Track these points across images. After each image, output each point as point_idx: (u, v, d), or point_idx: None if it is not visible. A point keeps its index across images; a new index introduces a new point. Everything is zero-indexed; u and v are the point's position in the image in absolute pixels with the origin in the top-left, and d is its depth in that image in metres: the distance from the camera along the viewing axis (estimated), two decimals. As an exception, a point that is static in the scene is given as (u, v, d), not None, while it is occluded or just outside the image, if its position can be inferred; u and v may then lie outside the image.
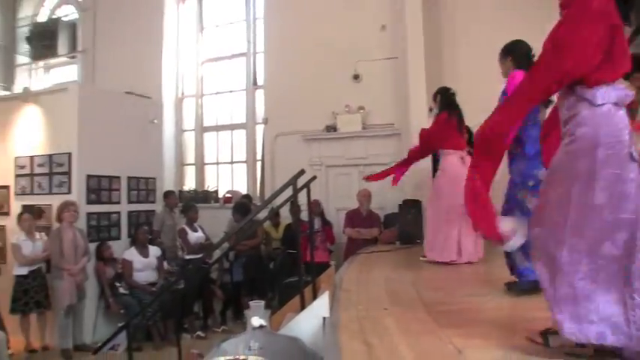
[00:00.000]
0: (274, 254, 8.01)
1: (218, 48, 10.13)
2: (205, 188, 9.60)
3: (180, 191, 9.43)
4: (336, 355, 2.40)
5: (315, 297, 4.05)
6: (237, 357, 2.85)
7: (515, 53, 3.62)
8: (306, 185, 4.33)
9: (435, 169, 6.20)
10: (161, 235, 7.76)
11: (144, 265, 7.11)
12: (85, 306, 6.87)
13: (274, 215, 7.43)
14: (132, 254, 7.13)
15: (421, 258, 5.27)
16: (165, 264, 7.47)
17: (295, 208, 7.13)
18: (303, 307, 3.92)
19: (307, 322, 3.69)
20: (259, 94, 9.39)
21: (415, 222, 6.80)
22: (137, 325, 6.67)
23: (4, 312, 6.66)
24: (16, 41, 12.54)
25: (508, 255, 3.44)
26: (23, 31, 12.31)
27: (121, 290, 7.02)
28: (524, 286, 3.32)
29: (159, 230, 7.76)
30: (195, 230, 7.56)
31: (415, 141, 6.58)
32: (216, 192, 9.43)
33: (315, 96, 8.25)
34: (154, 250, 7.28)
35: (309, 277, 4.87)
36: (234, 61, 9.94)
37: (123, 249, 7.37)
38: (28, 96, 7.44)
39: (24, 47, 12.28)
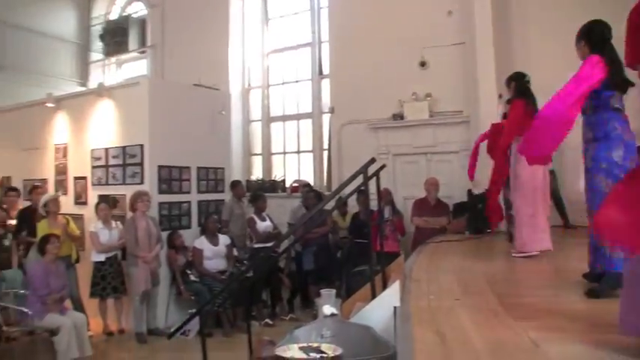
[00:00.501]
0: (341, 243, 8.00)
1: (283, 38, 10.19)
2: (272, 178, 9.70)
3: (248, 181, 9.56)
4: (409, 345, 2.36)
5: (385, 286, 3.99)
6: (311, 344, 2.82)
7: (589, 36, 3.39)
8: (376, 174, 4.27)
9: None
10: (230, 224, 7.88)
11: (214, 254, 7.25)
12: (159, 292, 7.08)
13: (342, 204, 7.40)
14: (202, 243, 7.28)
15: (513, 254, 4.90)
16: (234, 252, 7.58)
17: (364, 197, 7.13)
18: (373, 296, 3.88)
19: (378, 311, 3.64)
20: (325, 84, 9.38)
21: (485, 212, 6.65)
22: (208, 312, 6.84)
23: (83, 296, 6.99)
24: (90, 39, 13.05)
25: (594, 246, 3.20)
26: (97, 29, 12.81)
27: (192, 278, 7.18)
28: (612, 280, 2.96)
29: (227, 220, 7.89)
30: (264, 219, 7.64)
31: (485, 128, 6.42)
32: (283, 181, 9.51)
33: (381, 84, 8.16)
34: (224, 239, 7.41)
35: (379, 267, 4.82)
36: (299, 51, 9.97)
37: (193, 238, 7.53)
38: (102, 91, 7.70)
39: (97, 45, 12.78)
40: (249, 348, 4.76)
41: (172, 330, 5.71)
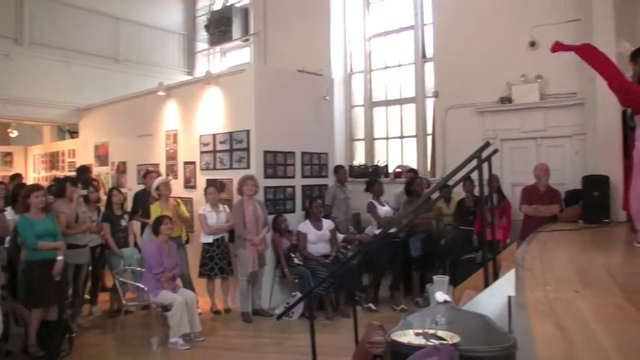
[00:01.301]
0: (446, 230, 7.81)
1: (385, 22, 10.04)
2: (375, 163, 9.63)
3: (351, 166, 9.56)
4: (527, 338, 2.22)
5: (496, 275, 3.82)
6: (426, 330, 2.72)
7: None
8: (487, 159, 4.08)
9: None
10: (333, 209, 7.91)
11: (317, 238, 7.29)
12: (264, 274, 7.22)
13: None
14: (306, 227, 7.34)
15: (636, 244, 4.51)
16: (338, 237, 7.59)
17: (470, 183, 6.90)
18: (486, 284, 3.72)
19: (491, 300, 3.48)
20: (429, 67, 9.17)
21: (602, 200, 6.23)
22: (303, 296, 6.92)
23: (192, 276, 7.27)
24: (195, 30, 13.54)
25: None
26: (202, 20, 13.27)
27: (296, 261, 7.26)
28: None
29: (330, 205, 7.92)
30: (383, 204, 7.56)
31: (603, 111, 6.02)
32: (386, 167, 9.42)
33: (488, 66, 7.87)
34: (328, 224, 7.42)
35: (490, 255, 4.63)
36: (401, 34, 9.80)
37: (297, 222, 7.62)
38: (210, 79, 7.91)
39: (202, 35, 13.22)
40: (355, 332, 4.73)
41: (281, 311, 5.82)
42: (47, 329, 5.71)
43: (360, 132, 10.25)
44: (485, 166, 3.83)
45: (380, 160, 9.70)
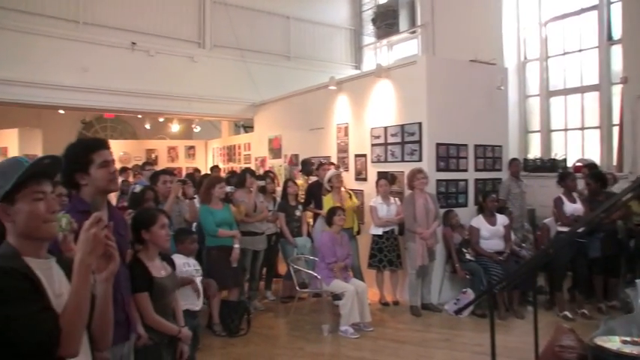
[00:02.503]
0: (635, 230, 7.09)
1: (563, 4, 9.35)
2: (552, 156, 9.04)
3: (525, 159, 9.07)
4: None
5: None
6: (636, 339, 2.49)
7: None
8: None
9: None
10: (507, 203, 7.57)
11: (491, 234, 7.00)
12: (434, 268, 7.10)
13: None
14: (479, 222, 7.09)
15: None
16: (512, 234, 7.25)
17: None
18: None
19: None
20: (615, 51, 8.38)
21: None
22: (480, 293, 6.68)
23: (362, 267, 7.38)
24: (362, 24, 13.69)
25: None
26: (368, 14, 13.36)
27: (467, 256, 7.05)
28: None
29: (505, 199, 7.59)
30: (574, 201, 7.01)
31: None
32: (564, 160, 8.80)
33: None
34: (502, 219, 7.10)
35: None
36: (582, 16, 9.06)
37: (469, 216, 7.39)
38: (381, 72, 7.93)
39: (369, 29, 13.33)
40: (535, 334, 4.45)
41: (457, 307, 5.68)
42: (228, 309, 6.17)
43: (535, 123, 9.68)
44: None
45: (557, 153, 9.08)
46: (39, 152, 10.99)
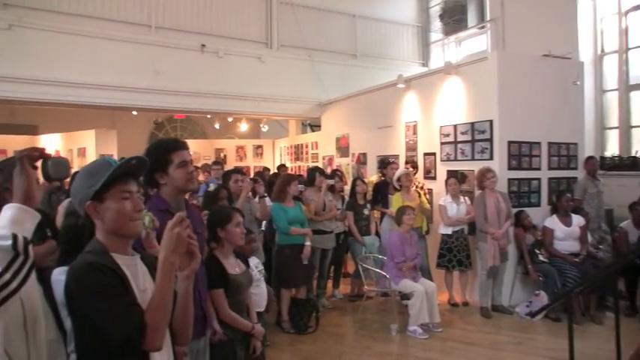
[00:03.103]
0: None
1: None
2: (632, 154, 8.63)
3: (602, 157, 8.70)
4: None
5: None
6: None
7: None
8: None
9: None
10: (583, 203, 7.29)
11: (566, 235, 6.77)
12: (505, 269, 6.93)
13: None
14: (553, 222, 6.87)
15: None
16: (588, 236, 6.98)
17: None
18: None
19: None
20: None
21: None
22: (559, 296, 6.47)
23: (431, 266, 7.32)
24: (429, 21, 13.51)
25: None
26: (435, 10, 13.17)
27: (541, 258, 6.85)
28: None
29: (580, 199, 7.32)
30: None
31: None
32: (645, 159, 8.39)
33: None
34: (577, 220, 6.84)
35: None
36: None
37: (542, 216, 7.18)
38: (450, 69, 7.80)
39: (436, 25, 13.14)
40: (617, 341, 4.27)
41: (533, 310, 5.51)
42: (297, 306, 6.25)
43: (612, 119, 9.26)
44: None
45: (638, 150, 8.64)
46: (114, 152, 11.46)
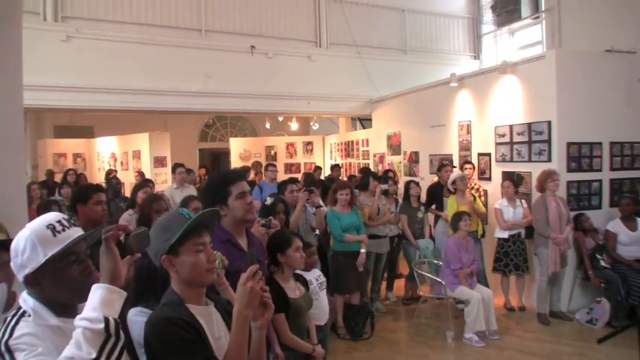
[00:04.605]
0: None
1: None
2: None
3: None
4: None
5: None
6: None
7: None
8: None
9: None
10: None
11: (631, 239, 6.50)
12: (565, 274, 6.74)
13: None
14: (617, 226, 6.62)
15: None
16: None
17: None
18: None
19: None
20: None
21: None
22: (619, 303, 6.28)
23: (487, 270, 7.18)
24: (480, 12, 13.17)
25: None
26: (487, 1, 12.83)
27: (602, 263, 6.63)
28: None
29: (646, 201, 7.04)
30: None
31: None
32: None
33: None
34: (644, 224, 6.60)
35: None
36: None
37: (603, 219, 6.95)
38: (505, 67, 7.57)
39: (488, 16, 12.81)
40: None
41: (594, 317, 5.31)
42: (352, 312, 6.25)
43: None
44: None
45: None
46: (167, 154, 11.72)
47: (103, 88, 9.02)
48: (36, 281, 1.68)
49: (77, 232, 1.77)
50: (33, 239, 1.66)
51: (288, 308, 3.33)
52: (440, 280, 6.33)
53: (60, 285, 1.70)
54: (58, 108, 9.96)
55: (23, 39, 3.26)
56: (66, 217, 1.80)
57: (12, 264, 1.70)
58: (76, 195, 3.99)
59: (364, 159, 12.22)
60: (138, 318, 2.11)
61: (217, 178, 2.97)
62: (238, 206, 2.81)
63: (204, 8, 10.24)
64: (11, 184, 3.44)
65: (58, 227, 1.71)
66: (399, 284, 7.94)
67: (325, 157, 14.60)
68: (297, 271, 4.57)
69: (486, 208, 7.57)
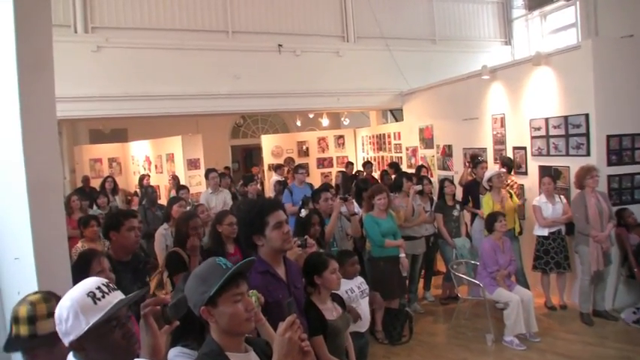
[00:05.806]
0: None
1: None
2: None
3: None
4: None
5: None
6: None
7: None
8: None
9: None
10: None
11: (679, 234, 6.30)
12: (609, 273, 6.54)
13: None
14: (663, 220, 6.41)
15: None
16: None
17: None
18: None
19: None
20: None
21: None
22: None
23: (527, 269, 7.02)
24: (511, -4, 12.81)
25: None
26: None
27: (648, 259, 6.42)
28: None
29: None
30: None
31: None
32: None
33: None
34: (692, 217, 6.35)
35: None
36: None
37: (648, 213, 6.71)
38: (539, 59, 7.32)
39: (519, 1, 12.44)
40: None
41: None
42: (390, 316, 6.19)
43: None
44: None
45: None
46: (200, 155, 11.77)
47: (133, 96, 9.13)
48: (81, 347, 1.72)
49: (117, 296, 1.79)
50: (75, 308, 1.69)
51: (325, 330, 3.30)
52: (477, 282, 6.21)
53: (103, 350, 1.73)
54: (92, 117, 10.12)
55: (55, 52, 3.28)
56: (105, 281, 1.82)
57: (57, 330, 1.74)
58: (108, 222, 3.97)
59: (397, 152, 12.06)
60: (178, 358, 2.15)
61: (253, 209, 2.92)
62: (276, 236, 2.81)
63: (230, 9, 10.22)
64: (49, 194, 3.30)
65: (98, 294, 1.74)
66: (437, 282, 7.84)
67: (357, 151, 14.47)
68: (343, 280, 4.56)
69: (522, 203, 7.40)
